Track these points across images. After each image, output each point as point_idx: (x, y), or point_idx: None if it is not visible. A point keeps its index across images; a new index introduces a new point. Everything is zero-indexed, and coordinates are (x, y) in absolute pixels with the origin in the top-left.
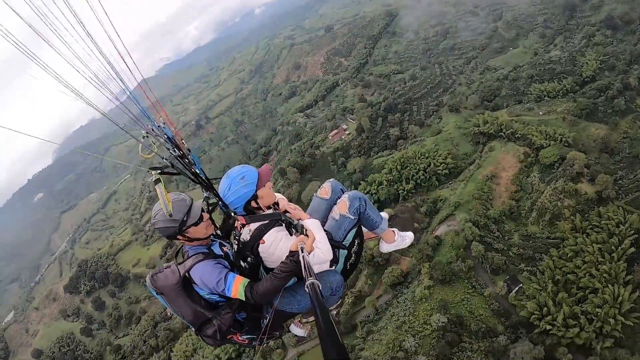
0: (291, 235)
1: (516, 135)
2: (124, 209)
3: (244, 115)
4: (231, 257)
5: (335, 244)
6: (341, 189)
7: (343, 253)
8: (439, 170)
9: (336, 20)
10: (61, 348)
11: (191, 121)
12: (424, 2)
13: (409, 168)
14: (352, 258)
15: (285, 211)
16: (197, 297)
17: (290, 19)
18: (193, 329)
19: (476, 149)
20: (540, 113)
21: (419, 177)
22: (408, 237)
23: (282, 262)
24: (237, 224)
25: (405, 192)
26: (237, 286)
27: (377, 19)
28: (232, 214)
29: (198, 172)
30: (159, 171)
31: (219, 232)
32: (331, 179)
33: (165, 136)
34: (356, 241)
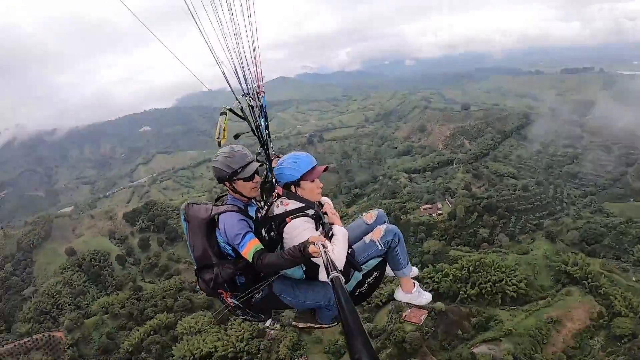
0: (316, 230)
1: (599, 291)
2: (210, 177)
3: (354, 151)
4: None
5: (352, 262)
6: (385, 220)
7: (357, 276)
8: (508, 290)
9: (476, 101)
10: (92, 260)
11: (306, 133)
12: (562, 118)
13: (480, 274)
14: (365, 287)
15: (325, 212)
16: (213, 241)
17: (435, 82)
18: (195, 267)
19: (554, 287)
20: (633, 279)
21: (486, 287)
22: (425, 297)
23: (294, 245)
24: (274, 192)
25: (466, 296)
26: (250, 247)
27: (514, 116)
28: (275, 180)
29: (262, 128)
30: (229, 108)
31: (261, 201)
32: (380, 209)
33: (260, 104)
34: (375, 273)
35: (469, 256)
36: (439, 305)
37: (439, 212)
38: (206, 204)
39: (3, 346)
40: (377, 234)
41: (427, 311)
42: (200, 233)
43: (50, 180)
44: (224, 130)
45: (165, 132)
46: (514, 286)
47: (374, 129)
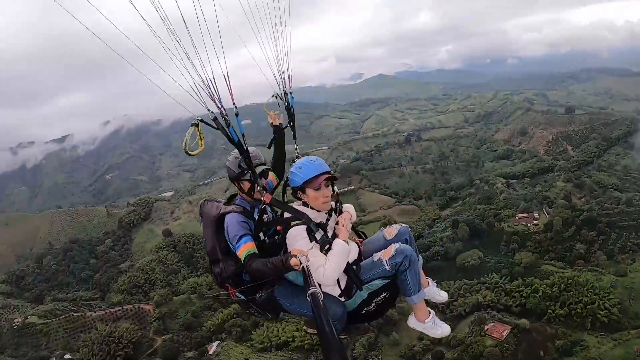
0: (311, 241)
1: None
2: None
3: (452, 152)
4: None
5: (352, 279)
6: (406, 238)
7: (361, 294)
8: (599, 314)
9: (581, 104)
10: (187, 242)
11: (404, 132)
12: None
13: (572, 293)
14: (373, 306)
15: (337, 222)
16: (221, 237)
17: (538, 82)
18: (208, 259)
19: None
20: None
21: (576, 309)
22: (441, 329)
23: (278, 256)
24: (262, 197)
25: (554, 316)
26: (243, 249)
27: (621, 122)
28: (260, 187)
29: (233, 135)
30: (200, 119)
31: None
32: (405, 225)
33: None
34: (384, 294)
35: (562, 273)
36: (524, 322)
37: (535, 222)
38: (220, 202)
39: (95, 312)
40: (387, 253)
41: (510, 327)
42: (210, 229)
43: (154, 167)
44: (201, 139)
45: (263, 125)
46: (606, 310)
47: (473, 130)
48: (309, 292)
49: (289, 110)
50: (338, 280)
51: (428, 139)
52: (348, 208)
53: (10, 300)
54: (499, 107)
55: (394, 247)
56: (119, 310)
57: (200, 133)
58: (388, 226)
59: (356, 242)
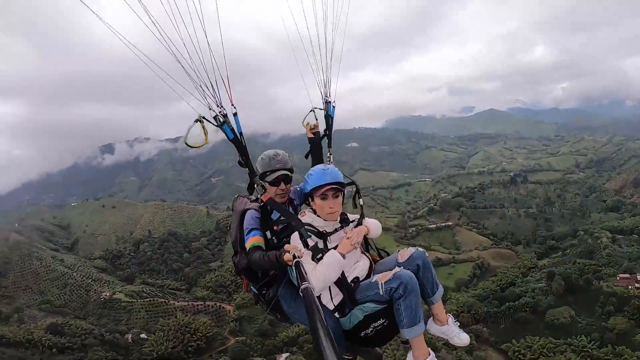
0: (305, 247)
1: None
2: (406, 202)
3: (558, 198)
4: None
5: (344, 295)
6: (418, 264)
7: (357, 314)
8: None
9: None
10: None
11: (511, 172)
12: None
13: None
14: (370, 331)
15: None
16: (242, 231)
17: None
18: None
19: None
20: None
21: None
22: None
23: (274, 251)
24: (262, 196)
25: None
26: (250, 241)
27: None
28: (258, 185)
29: (228, 132)
30: (203, 117)
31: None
32: (422, 249)
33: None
34: (382, 320)
35: None
36: None
37: (637, 285)
38: (249, 198)
39: (179, 302)
40: (385, 276)
41: None
42: (235, 223)
43: None
44: (205, 135)
45: (370, 150)
46: None
47: (583, 176)
48: (302, 287)
49: (327, 119)
50: (332, 295)
51: (535, 181)
52: (368, 223)
53: (103, 275)
54: (613, 153)
55: (394, 270)
56: (201, 304)
57: (204, 129)
58: (403, 248)
59: (370, 260)
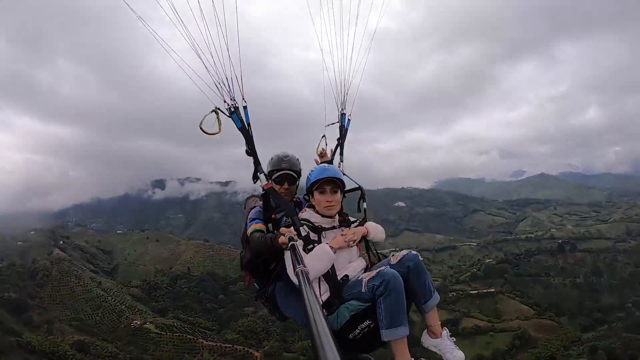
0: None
1: None
2: (450, 265)
3: (607, 267)
4: (282, 223)
5: (330, 289)
6: (409, 265)
7: (343, 313)
8: None
9: None
10: None
11: (559, 239)
12: None
13: None
14: (357, 333)
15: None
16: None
17: None
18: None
19: None
20: None
21: None
22: None
23: (270, 234)
24: (263, 185)
25: None
26: (251, 228)
27: None
28: (261, 173)
29: (236, 121)
30: (218, 108)
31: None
32: (415, 252)
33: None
34: (369, 322)
35: None
36: None
37: None
38: (260, 198)
39: (207, 341)
40: (370, 274)
41: None
42: (244, 221)
43: None
44: (219, 124)
45: (417, 210)
46: None
47: (635, 245)
48: (296, 270)
49: (341, 130)
50: (320, 292)
51: (583, 249)
52: (369, 225)
53: (137, 303)
54: None
55: (380, 268)
56: (229, 347)
57: (218, 120)
58: (398, 252)
59: (367, 263)
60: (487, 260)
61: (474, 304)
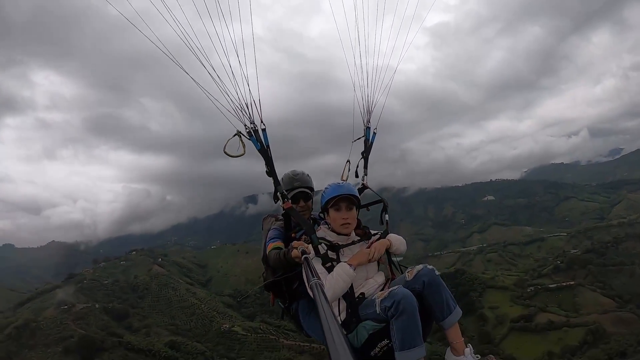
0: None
1: None
2: (536, 259)
3: None
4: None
5: (347, 305)
6: (424, 281)
7: (362, 332)
8: None
9: None
10: None
11: None
12: None
13: None
14: (377, 351)
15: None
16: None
17: None
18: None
19: None
20: None
21: None
22: None
23: (285, 249)
24: (283, 204)
25: None
26: (270, 246)
27: None
28: (281, 193)
29: (255, 144)
30: (239, 132)
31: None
32: (431, 266)
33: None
34: (388, 342)
35: None
36: None
37: None
38: (277, 217)
39: (288, 340)
40: (383, 294)
41: None
42: (263, 241)
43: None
44: (243, 146)
45: (506, 203)
46: None
47: None
48: (310, 283)
49: (366, 143)
50: (339, 310)
51: None
52: (392, 237)
53: (228, 310)
54: None
55: (393, 288)
56: (307, 345)
57: (242, 142)
58: (414, 266)
59: (388, 277)
60: (572, 251)
61: (552, 298)
